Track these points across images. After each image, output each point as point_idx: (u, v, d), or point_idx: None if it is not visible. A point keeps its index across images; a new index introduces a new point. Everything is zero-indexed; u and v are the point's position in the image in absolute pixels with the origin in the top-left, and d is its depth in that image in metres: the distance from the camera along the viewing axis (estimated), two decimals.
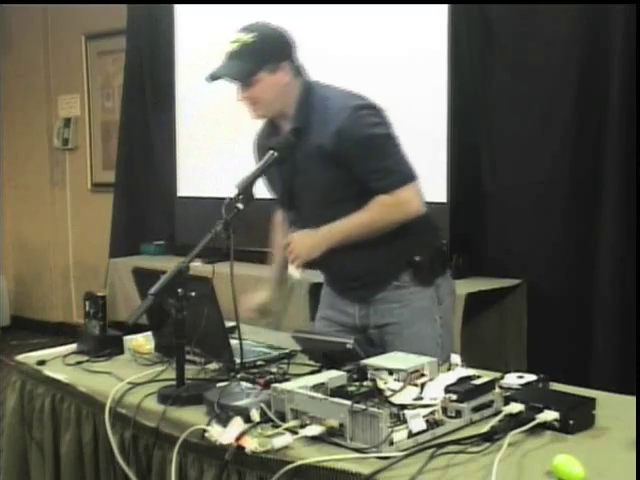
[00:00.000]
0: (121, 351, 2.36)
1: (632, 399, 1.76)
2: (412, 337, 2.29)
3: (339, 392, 1.59)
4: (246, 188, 2.07)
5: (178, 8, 4.93)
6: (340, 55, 4.00)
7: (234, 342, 2.04)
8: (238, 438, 1.56)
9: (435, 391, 1.64)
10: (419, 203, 2.27)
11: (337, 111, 2.23)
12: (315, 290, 2.65)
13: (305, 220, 2.35)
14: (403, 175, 2.26)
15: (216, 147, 4.65)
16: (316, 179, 2.30)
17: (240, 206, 2.01)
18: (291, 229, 2.43)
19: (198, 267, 1.96)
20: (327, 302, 2.53)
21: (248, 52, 2.28)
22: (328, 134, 2.21)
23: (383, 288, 2.35)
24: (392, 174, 2.24)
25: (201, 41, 4.79)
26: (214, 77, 2.33)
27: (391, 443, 1.48)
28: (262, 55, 2.28)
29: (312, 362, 2.07)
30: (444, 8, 3.67)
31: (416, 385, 1.67)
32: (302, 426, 1.57)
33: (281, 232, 2.60)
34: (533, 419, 1.57)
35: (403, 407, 1.55)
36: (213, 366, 2.09)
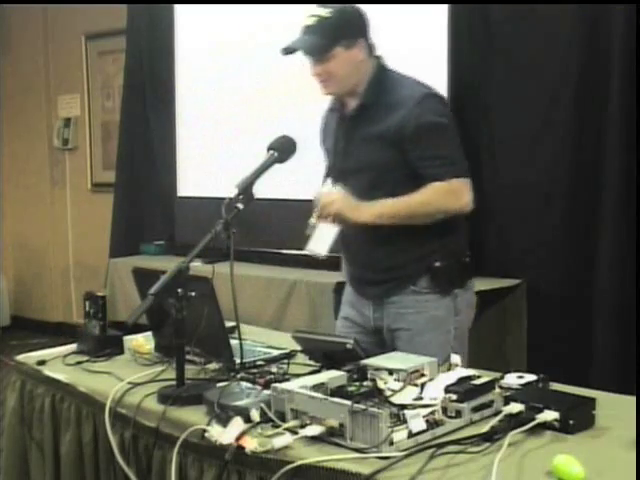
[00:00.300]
0: (121, 351, 2.36)
1: (632, 399, 1.76)
2: (423, 345, 2.26)
3: (339, 392, 1.59)
4: (246, 188, 2.07)
5: (178, 8, 4.93)
6: None
7: (234, 342, 2.04)
8: (238, 438, 1.56)
9: (435, 391, 1.64)
10: (470, 199, 2.29)
11: (407, 96, 2.27)
12: (340, 289, 2.64)
13: (354, 197, 2.33)
14: (460, 167, 2.30)
15: (216, 147, 4.65)
16: (372, 158, 2.33)
17: (240, 206, 2.01)
18: None
19: (198, 267, 1.95)
20: (348, 301, 2.54)
21: (325, 26, 2.28)
22: (395, 117, 2.25)
23: (399, 291, 2.36)
24: (450, 164, 2.28)
25: (201, 41, 4.79)
26: (288, 50, 2.33)
27: (391, 443, 1.48)
28: (339, 30, 2.29)
29: (312, 362, 2.07)
30: (444, 8, 3.67)
31: (416, 385, 1.68)
32: (302, 426, 1.57)
33: None
34: (533, 419, 1.57)
35: (403, 407, 1.55)
36: (213, 366, 2.09)
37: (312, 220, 2.35)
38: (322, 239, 2.34)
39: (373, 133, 2.31)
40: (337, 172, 2.43)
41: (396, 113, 2.26)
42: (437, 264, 2.33)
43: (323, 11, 2.30)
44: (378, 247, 2.36)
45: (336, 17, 2.30)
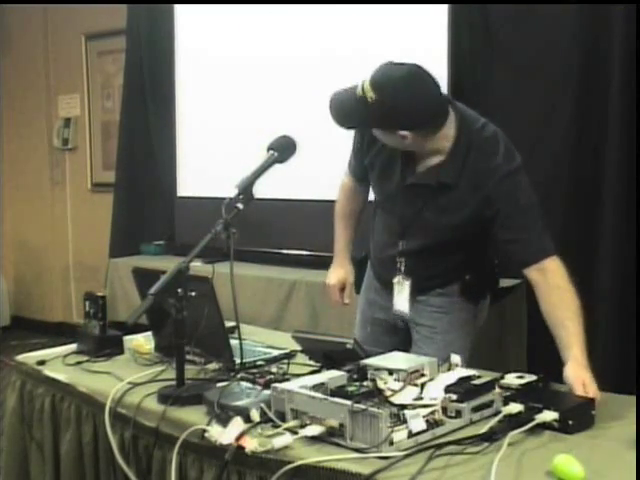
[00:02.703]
0: (121, 351, 2.36)
1: (632, 399, 1.77)
2: (445, 345, 2.26)
3: (339, 392, 1.59)
4: (246, 188, 2.07)
5: (178, 8, 4.93)
6: (340, 55, 4.00)
7: (234, 342, 2.05)
8: (238, 438, 1.56)
9: (435, 391, 1.64)
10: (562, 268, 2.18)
11: (488, 174, 2.14)
12: (361, 264, 2.60)
13: (409, 245, 2.30)
14: (547, 244, 2.19)
15: (216, 147, 4.65)
16: (441, 224, 2.23)
17: (240, 206, 2.01)
18: (388, 235, 2.38)
19: (198, 267, 1.95)
20: (374, 287, 2.50)
21: (372, 110, 2.07)
22: (476, 196, 2.15)
23: (427, 292, 2.37)
24: (535, 243, 2.17)
25: (201, 41, 4.79)
26: (334, 113, 2.16)
27: (391, 443, 1.48)
28: (382, 120, 2.11)
29: (312, 362, 2.07)
30: (444, 8, 3.67)
31: (416, 385, 1.68)
32: (302, 426, 1.58)
33: (350, 202, 2.59)
34: (532, 419, 1.57)
35: (403, 407, 1.55)
36: (213, 366, 2.09)
37: None
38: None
39: (452, 204, 2.18)
40: (403, 222, 2.31)
41: (477, 192, 2.14)
42: (467, 277, 2.33)
43: (370, 93, 2.05)
44: (418, 259, 2.33)
45: (377, 106, 2.05)
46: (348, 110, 2.13)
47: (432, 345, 2.30)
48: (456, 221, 2.21)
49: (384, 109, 2.05)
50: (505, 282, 3.66)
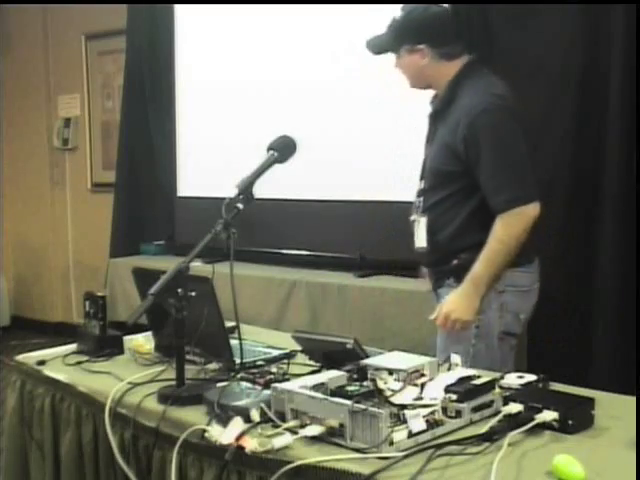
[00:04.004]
0: (121, 351, 2.36)
1: (632, 399, 1.77)
2: (443, 338, 2.40)
3: (339, 392, 1.59)
4: (246, 188, 2.07)
5: (178, 8, 4.93)
6: (340, 55, 4.00)
7: (234, 342, 2.04)
8: (238, 438, 1.56)
9: (435, 391, 1.64)
10: (530, 220, 2.30)
11: (466, 106, 2.32)
12: None
13: (422, 194, 2.49)
14: (515, 193, 2.29)
15: (216, 147, 4.65)
16: (434, 164, 2.42)
17: (240, 206, 2.01)
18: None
19: (198, 267, 1.96)
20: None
21: (394, 27, 2.44)
22: (452, 127, 2.32)
23: (441, 283, 2.46)
24: (504, 190, 2.28)
25: (201, 41, 4.79)
26: (366, 44, 2.51)
27: (391, 443, 1.48)
28: (402, 33, 2.42)
29: (312, 362, 2.07)
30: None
31: (416, 385, 1.68)
32: (302, 426, 1.57)
33: None
34: (532, 419, 1.57)
35: (403, 407, 1.55)
36: (213, 366, 2.09)
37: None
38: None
39: (439, 138, 2.40)
40: (423, 165, 2.54)
41: (454, 123, 2.32)
42: (455, 261, 2.39)
43: (400, 13, 2.44)
44: (418, 243, 2.49)
45: (403, 21, 2.42)
46: (380, 37, 2.48)
47: (441, 336, 2.42)
48: (437, 160, 2.38)
49: (406, 21, 2.41)
50: None
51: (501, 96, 2.34)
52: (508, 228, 2.27)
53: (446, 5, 2.52)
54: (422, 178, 2.52)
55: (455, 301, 2.33)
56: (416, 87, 2.52)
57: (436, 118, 2.47)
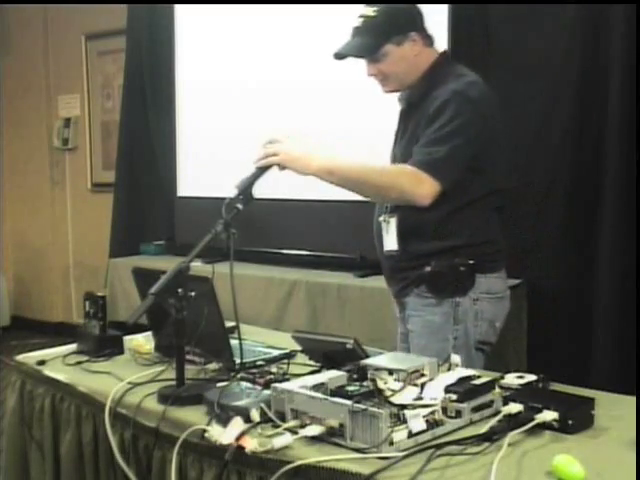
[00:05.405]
0: (121, 351, 2.36)
1: (632, 399, 1.77)
2: (420, 349, 2.23)
3: (339, 392, 1.59)
4: (246, 189, 2.07)
5: (178, 8, 4.93)
6: None
7: (234, 342, 2.04)
8: (238, 438, 1.56)
9: (435, 391, 1.64)
10: (428, 195, 2.14)
11: (438, 95, 2.19)
12: None
13: None
14: (442, 171, 2.15)
15: (216, 147, 4.65)
16: (401, 153, 2.30)
17: (239, 206, 2.01)
18: None
19: (198, 267, 1.96)
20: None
21: (373, 25, 2.23)
22: (422, 121, 2.21)
23: (407, 291, 2.33)
24: (435, 161, 2.14)
25: (201, 41, 4.79)
26: (339, 56, 2.29)
27: (391, 443, 1.48)
28: (386, 27, 2.23)
29: (312, 362, 2.07)
30: (444, 8, 3.67)
31: (416, 385, 1.68)
32: (302, 426, 1.57)
33: None
34: (532, 419, 1.57)
35: (403, 407, 1.55)
36: (213, 366, 2.09)
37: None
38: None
39: (409, 133, 2.27)
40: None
41: (424, 114, 2.21)
42: (427, 269, 2.25)
43: (369, 10, 2.24)
44: (388, 246, 2.35)
45: (382, 14, 2.23)
46: (354, 42, 2.27)
47: (413, 350, 2.28)
48: (409, 155, 2.20)
49: (388, 15, 2.23)
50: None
51: (471, 86, 2.20)
52: (406, 180, 2.14)
53: None
54: None
55: (300, 150, 2.17)
56: (401, 87, 2.35)
57: (408, 113, 2.33)
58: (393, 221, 2.30)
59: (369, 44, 2.24)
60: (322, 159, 2.18)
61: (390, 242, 2.33)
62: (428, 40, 2.31)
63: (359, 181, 2.19)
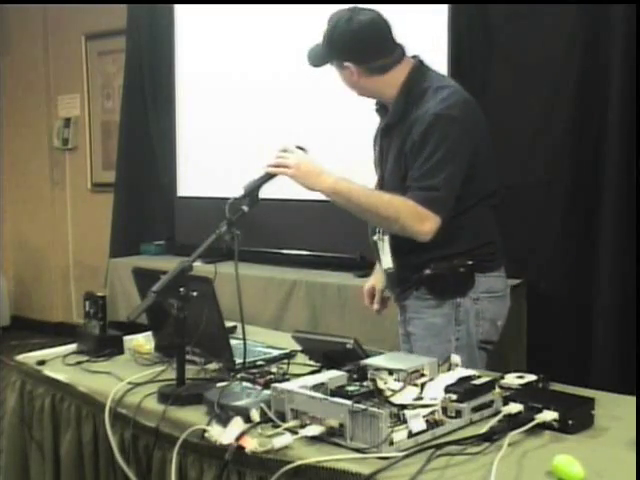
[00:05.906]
0: (121, 351, 2.36)
1: (632, 399, 1.77)
2: (422, 352, 2.20)
3: (339, 392, 1.59)
4: (252, 191, 2.07)
5: (178, 8, 4.93)
6: None
7: (234, 342, 2.05)
8: (238, 438, 1.56)
9: (435, 391, 1.64)
10: (429, 232, 2.14)
11: (420, 115, 2.17)
12: None
13: None
14: (441, 203, 2.14)
15: (216, 147, 4.65)
16: (392, 178, 2.28)
17: (245, 208, 2.01)
18: None
19: (199, 267, 1.96)
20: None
21: (324, 40, 2.28)
22: (407, 140, 2.19)
23: (407, 294, 2.33)
24: (434, 197, 2.13)
25: (201, 41, 4.79)
26: (307, 56, 2.35)
27: (391, 443, 1.48)
28: (328, 50, 2.28)
29: (312, 362, 2.07)
30: (444, 8, 3.67)
31: (416, 385, 1.68)
32: (302, 426, 1.57)
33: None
34: (532, 419, 1.57)
35: (403, 407, 1.55)
36: (213, 366, 2.09)
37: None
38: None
39: (394, 152, 2.25)
40: (380, 178, 2.38)
41: (407, 133, 2.19)
42: (426, 271, 2.24)
43: (327, 24, 2.27)
44: (385, 264, 2.35)
45: (328, 35, 2.26)
46: (315, 50, 2.31)
47: (415, 353, 2.26)
48: (395, 174, 2.22)
49: (329, 37, 2.24)
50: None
51: (451, 105, 2.17)
52: (409, 216, 2.13)
53: (375, 10, 2.28)
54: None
55: (313, 166, 2.19)
56: (366, 96, 2.36)
57: (389, 131, 2.31)
58: (387, 239, 2.31)
59: (319, 55, 2.31)
60: (331, 179, 2.19)
61: (386, 261, 2.34)
62: (377, 69, 2.24)
63: (363, 208, 2.19)
